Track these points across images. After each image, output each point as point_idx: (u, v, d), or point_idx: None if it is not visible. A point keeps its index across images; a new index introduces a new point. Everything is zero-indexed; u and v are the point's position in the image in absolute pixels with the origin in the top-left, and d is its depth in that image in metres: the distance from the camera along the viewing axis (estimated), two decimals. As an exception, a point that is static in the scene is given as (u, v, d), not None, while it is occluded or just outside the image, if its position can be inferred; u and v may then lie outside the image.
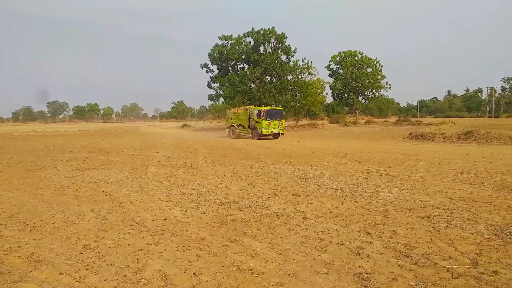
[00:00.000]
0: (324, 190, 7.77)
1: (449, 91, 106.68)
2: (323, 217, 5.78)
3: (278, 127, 26.39)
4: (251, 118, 26.96)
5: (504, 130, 20.90)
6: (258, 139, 25.52)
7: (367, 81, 48.09)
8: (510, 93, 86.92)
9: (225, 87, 41.64)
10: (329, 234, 4.92)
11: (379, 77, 48.88)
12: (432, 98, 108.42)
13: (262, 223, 5.46)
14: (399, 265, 3.89)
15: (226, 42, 43.38)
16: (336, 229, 5.13)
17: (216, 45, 43.33)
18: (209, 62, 44.20)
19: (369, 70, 48.70)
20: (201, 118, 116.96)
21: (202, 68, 44.97)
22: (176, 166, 11.85)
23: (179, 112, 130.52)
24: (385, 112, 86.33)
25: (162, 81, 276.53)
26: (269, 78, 43.79)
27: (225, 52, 42.22)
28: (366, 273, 3.70)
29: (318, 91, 47.11)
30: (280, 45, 43.09)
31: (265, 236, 4.87)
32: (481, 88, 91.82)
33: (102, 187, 8.41)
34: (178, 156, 14.79)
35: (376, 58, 48.65)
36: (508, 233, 4.81)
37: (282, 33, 42.50)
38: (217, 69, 44.58)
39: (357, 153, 15.43)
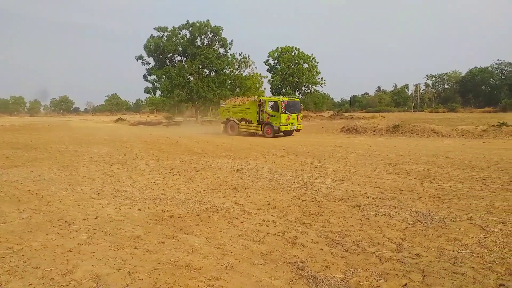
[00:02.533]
0: (263, 183, 7.90)
1: (379, 87, 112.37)
2: (261, 209, 5.88)
3: (297, 121, 22.44)
4: (262, 111, 22.38)
5: (427, 123, 22.63)
6: (272, 137, 21.52)
7: (304, 76, 49.50)
8: (433, 89, 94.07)
9: (162, 80, 40.49)
10: (266, 226, 5.02)
11: (315, 72, 50.55)
12: (364, 94, 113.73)
13: (201, 218, 5.42)
14: (332, 253, 4.07)
15: (162, 33, 42.03)
16: (273, 221, 5.24)
17: (152, 36, 41.79)
18: (144, 54, 42.55)
19: (305, 66, 50.13)
20: (137, 112, 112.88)
21: (137, 60, 43.00)
22: (110, 162, 11.34)
23: (113, 105, 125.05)
24: (321, 107, 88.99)
25: (95, 73, 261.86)
26: (207, 71, 43.30)
27: (161, 44, 40.91)
28: (301, 262, 3.82)
29: (257, 85, 47.63)
30: (216, 38, 42.71)
31: (203, 231, 4.84)
32: (407, 84, 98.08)
33: (28, 186, 7.81)
34: (112, 152, 14.17)
35: (312, 54, 50.27)
36: (429, 219, 5.22)
37: (216, 25, 42.13)
38: (154, 61, 43.05)
39: (294, 146, 15.87)
